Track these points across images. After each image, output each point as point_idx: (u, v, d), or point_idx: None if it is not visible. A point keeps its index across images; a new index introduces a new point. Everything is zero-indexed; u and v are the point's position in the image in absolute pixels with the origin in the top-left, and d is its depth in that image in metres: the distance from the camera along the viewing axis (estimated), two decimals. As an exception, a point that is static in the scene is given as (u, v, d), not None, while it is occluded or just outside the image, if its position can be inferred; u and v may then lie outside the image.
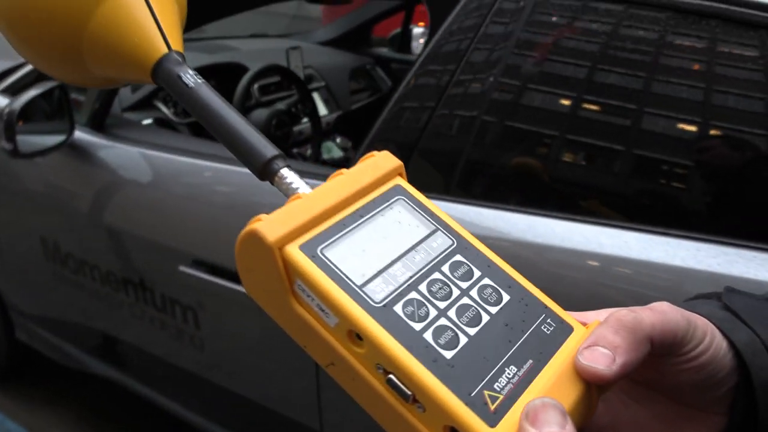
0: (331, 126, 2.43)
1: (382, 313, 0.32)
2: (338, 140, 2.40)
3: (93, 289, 1.70)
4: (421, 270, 0.35)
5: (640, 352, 0.33)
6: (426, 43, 1.22)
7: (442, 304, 0.34)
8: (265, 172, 0.38)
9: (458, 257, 0.36)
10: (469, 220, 1.11)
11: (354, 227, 0.35)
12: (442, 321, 0.33)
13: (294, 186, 0.38)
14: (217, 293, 1.39)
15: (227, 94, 2.27)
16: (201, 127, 2.03)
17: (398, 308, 0.32)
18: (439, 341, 0.32)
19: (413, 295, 0.33)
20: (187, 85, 0.40)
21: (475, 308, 0.34)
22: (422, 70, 1.20)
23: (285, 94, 2.27)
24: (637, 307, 0.35)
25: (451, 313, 0.33)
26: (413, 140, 1.17)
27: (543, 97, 1.12)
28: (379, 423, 0.33)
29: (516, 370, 0.32)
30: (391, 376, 0.31)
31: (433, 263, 0.35)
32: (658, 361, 0.35)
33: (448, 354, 0.31)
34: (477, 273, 0.36)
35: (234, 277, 1.34)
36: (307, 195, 0.35)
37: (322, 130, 2.19)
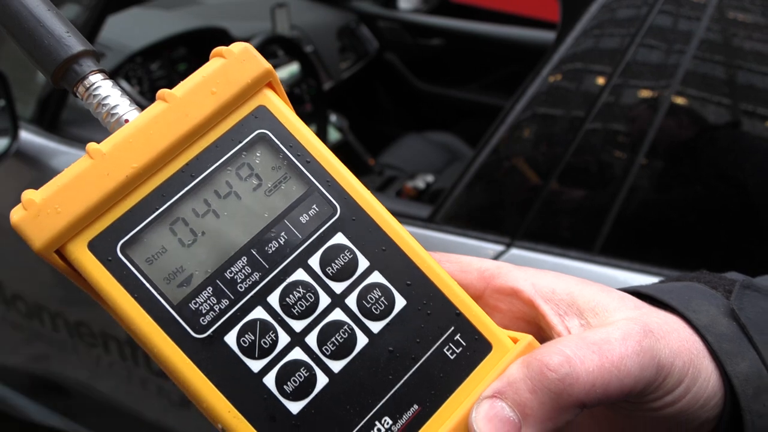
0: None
1: (205, 349, 0.23)
2: (333, 119, 2.01)
3: (52, 338, 1.28)
4: (276, 268, 0.25)
5: (560, 420, 0.24)
6: (561, 32, 0.87)
7: (299, 325, 0.24)
8: (63, 79, 0.26)
9: (338, 238, 0.26)
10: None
11: (178, 200, 0.24)
12: (295, 354, 0.24)
13: (105, 105, 0.26)
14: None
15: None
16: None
17: (231, 338, 0.24)
18: (285, 387, 0.24)
19: (257, 313, 0.24)
20: None
21: (349, 327, 0.25)
22: (561, 69, 0.85)
23: (270, 63, 1.85)
24: (587, 339, 0.25)
25: (311, 338, 0.24)
26: (549, 163, 0.84)
27: (747, 119, 0.81)
28: None
29: (391, 423, 0.24)
30: (221, 428, 0.23)
31: (296, 254, 0.25)
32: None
33: (295, 407, 0.23)
34: (363, 264, 0.26)
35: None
36: (100, 148, 0.24)
37: (327, 116, 1.79)
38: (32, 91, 1.22)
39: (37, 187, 0.24)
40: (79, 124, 1.23)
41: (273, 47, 1.74)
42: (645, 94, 0.83)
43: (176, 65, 1.65)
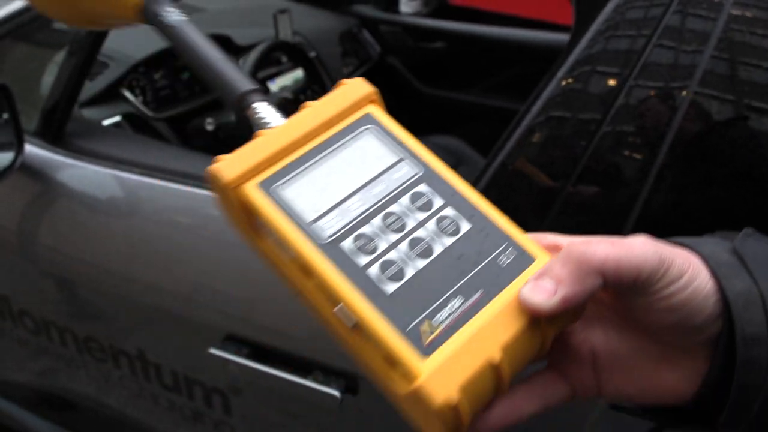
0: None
1: (329, 249, 0.35)
2: (337, 124, 1.99)
3: (60, 354, 1.26)
4: (378, 202, 0.37)
5: (586, 285, 0.33)
6: (575, 34, 0.85)
7: (393, 237, 0.36)
8: (240, 106, 0.42)
9: (421, 187, 0.38)
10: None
11: (316, 161, 0.38)
12: (391, 255, 0.35)
13: (265, 120, 0.41)
14: (261, 379, 1.01)
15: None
16: (180, 121, 1.58)
17: (347, 243, 0.35)
18: (384, 275, 0.34)
19: (365, 229, 0.36)
20: (167, 24, 0.46)
21: (428, 241, 0.36)
22: (575, 72, 0.83)
23: (274, 70, 1.83)
24: (604, 238, 0.34)
25: (402, 246, 0.35)
26: (566, 167, 0.82)
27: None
28: (343, 349, 0.35)
29: (462, 301, 0.34)
30: (338, 307, 0.34)
31: (392, 195, 0.37)
32: (623, 296, 0.35)
33: (391, 287, 0.34)
34: (438, 203, 0.37)
35: (284, 360, 0.97)
36: (269, 131, 0.38)
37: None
38: (35, 103, 1.20)
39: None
40: (84, 137, 1.21)
41: (277, 54, 1.73)
42: (663, 95, 0.81)
43: (180, 74, 1.63)
